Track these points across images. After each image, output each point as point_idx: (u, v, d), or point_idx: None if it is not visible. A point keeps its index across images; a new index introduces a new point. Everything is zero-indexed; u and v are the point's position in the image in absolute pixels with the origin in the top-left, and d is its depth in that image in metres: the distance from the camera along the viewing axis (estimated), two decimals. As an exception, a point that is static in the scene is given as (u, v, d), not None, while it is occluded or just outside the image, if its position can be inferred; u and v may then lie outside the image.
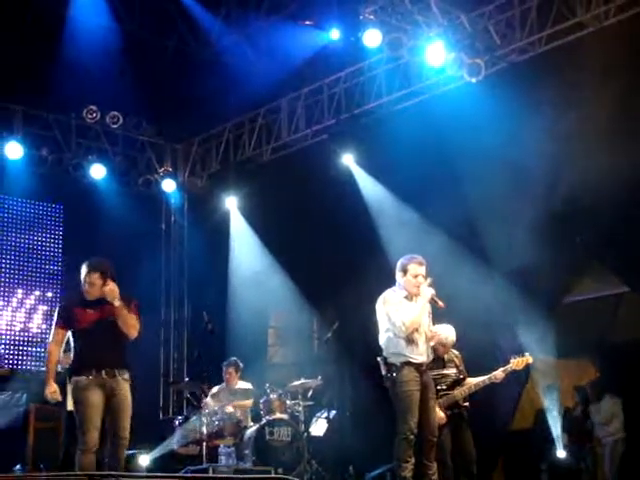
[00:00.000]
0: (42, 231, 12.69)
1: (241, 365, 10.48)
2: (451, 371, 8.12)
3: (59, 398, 6.90)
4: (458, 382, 8.08)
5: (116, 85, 11.71)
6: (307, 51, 11.85)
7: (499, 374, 8.11)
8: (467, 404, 8.14)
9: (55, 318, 6.97)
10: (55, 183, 12.47)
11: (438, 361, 8.01)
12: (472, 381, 8.15)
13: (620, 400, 11.37)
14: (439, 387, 7.86)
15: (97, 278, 6.82)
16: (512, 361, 8.14)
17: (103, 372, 6.79)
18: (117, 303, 6.78)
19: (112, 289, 6.79)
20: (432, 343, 7.50)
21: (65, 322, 6.88)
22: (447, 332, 8.08)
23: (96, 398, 6.77)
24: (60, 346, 6.93)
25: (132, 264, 12.01)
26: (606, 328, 11.82)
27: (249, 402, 10.27)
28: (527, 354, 8.22)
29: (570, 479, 10.12)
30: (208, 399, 10.21)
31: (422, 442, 7.15)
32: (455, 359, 8.23)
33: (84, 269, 6.86)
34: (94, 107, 11.83)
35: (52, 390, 6.84)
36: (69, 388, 6.96)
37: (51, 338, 6.94)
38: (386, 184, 11.65)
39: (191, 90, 11.95)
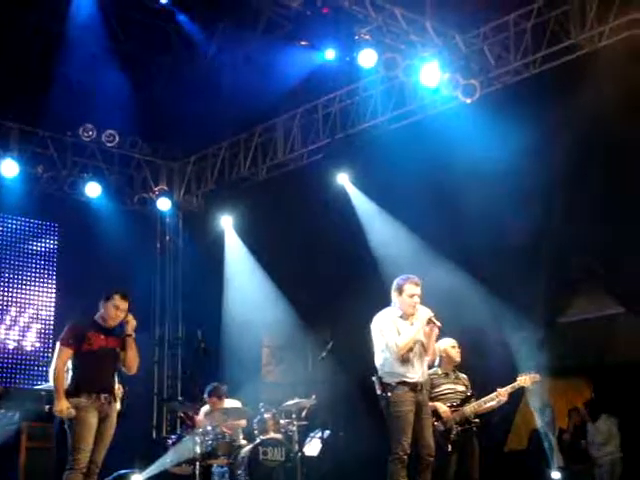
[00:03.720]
0: (36, 249, 12.66)
1: (223, 387, 10.37)
2: (458, 387, 8.12)
3: (74, 413, 6.92)
4: (467, 400, 8.08)
5: (112, 103, 11.73)
6: (303, 71, 11.87)
7: (504, 392, 8.10)
8: (477, 420, 8.13)
9: (63, 337, 7.08)
10: (50, 201, 12.44)
11: (449, 376, 8.07)
12: (480, 401, 8.15)
13: (616, 420, 11.37)
14: (450, 403, 7.93)
15: (126, 307, 7.19)
16: (519, 378, 8.14)
17: (102, 397, 6.99)
18: (134, 335, 7.17)
19: (133, 321, 7.20)
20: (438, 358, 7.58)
21: (75, 342, 7.02)
22: (452, 347, 8.12)
23: (93, 420, 6.94)
24: (65, 364, 7.03)
25: (126, 282, 11.93)
26: (602, 348, 11.82)
27: (243, 422, 10.21)
28: (533, 373, 8.22)
29: (565, 500, 10.10)
30: (201, 417, 10.15)
31: (417, 462, 7.13)
32: (463, 380, 8.23)
33: (117, 296, 7.15)
34: (90, 125, 11.83)
35: (66, 406, 6.89)
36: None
37: (57, 355, 7.02)
38: (380, 203, 11.69)
39: (187, 109, 11.97)
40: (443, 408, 7.88)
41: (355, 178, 12.07)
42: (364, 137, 11.48)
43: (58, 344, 7.08)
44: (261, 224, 12.45)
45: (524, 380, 8.12)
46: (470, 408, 8.02)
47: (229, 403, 10.35)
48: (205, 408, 10.29)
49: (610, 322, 11.76)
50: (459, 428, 7.89)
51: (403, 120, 11.22)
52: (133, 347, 7.16)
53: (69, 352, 6.99)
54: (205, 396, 10.34)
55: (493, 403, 8.16)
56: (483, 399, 8.12)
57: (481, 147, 10.02)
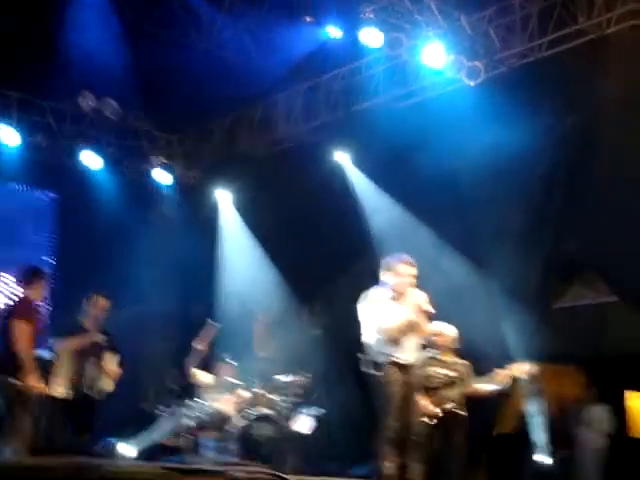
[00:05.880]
0: (35, 217, 12.65)
1: (235, 364, 10.47)
2: (447, 372, 8.11)
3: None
4: (452, 384, 8.07)
5: (114, 74, 11.67)
6: (306, 47, 11.84)
7: (499, 377, 8.10)
8: (463, 412, 8.12)
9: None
10: (49, 170, 12.42)
11: (438, 360, 8.07)
12: (471, 384, 8.15)
13: (607, 408, 11.40)
14: (430, 385, 7.90)
15: None
16: (513, 367, 8.15)
17: None
18: None
19: None
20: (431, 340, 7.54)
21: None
22: (447, 331, 8.10)
23: None
24: None
25: (122, 252, 12.03)
26: (594, 336, 11.84)
27: (237, 397, 10.25)
28: (529, 362, 8.22)
29: (552, 485, 10.14)
30: (201, 389, 10.19)
31: (404, 442, 7.14)
32: (459, 365, 8.22)
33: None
34: (89, 93, 11.76)
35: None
36: None
37: None
38: (379, 182, 11.65)
39: (189, 82, 11.92)
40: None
41: (355, 156, 12.03)
42: (365, 116, 11.42)
43: None
44: (259, 200, 12.42)
45: (519, 369, 8.13)
46: (452, 393, 8.01)
47: (233, 381, 10.38)
48: (205, 380, 10.32)
49: (603, 310, 11.78)
50: (439, 412, 7.87)
51: (405, 100, 11.16)
52: None
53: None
54: (218, 361, 10.40)
55: (489, 387, 8.16)
56: (475, 382, 8.13)
57: (484, 130, 9.98)
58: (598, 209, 10.21)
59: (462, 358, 8.38)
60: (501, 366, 8.19)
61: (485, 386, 8.20)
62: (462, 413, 8.14)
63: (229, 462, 8.95)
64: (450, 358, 8.22)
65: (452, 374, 8.13)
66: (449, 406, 8.00)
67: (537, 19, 9.97)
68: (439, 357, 8.11)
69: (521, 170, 10.22)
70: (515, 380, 11.41)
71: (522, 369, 8.16)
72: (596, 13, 9.55)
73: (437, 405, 7.91)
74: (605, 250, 10.58)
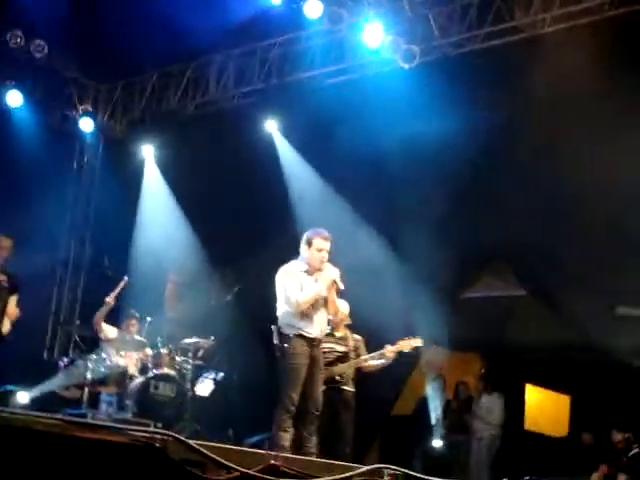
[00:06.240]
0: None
1: (143, 320, 10.39)
2: (338, 347, 8.20)
3: None
4: (341, 359, 8.15)
5: (48, 16, 11.35)
6: (247, 11, 11.67)
7: (389, 352, 8.22)
8: (349, 388, 8.22)
9: None
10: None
11: (332, 336, 8.12)
12: (360, 359, 8.26)
13: (503, 398, 11.70)
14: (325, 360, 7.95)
15: None
16: (400, 342, 8.27)
17: None
18: None
19: None
20: (331, 317, 7.58)
21: None
22: (341, 307, 8.17)
23: None
24: None
25: (38, 198, 11.77)
26: (498, 327, 12.12)
27: (141, 355, 10.19)
28: (417, 337, 8.34)
29: (442, 468, 10.36)
30: (105, 343, 10.09)
31: (304, 414, 7.21)
32: (350, 340, 8.32)
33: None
34: (19, 32, 11.43)
35: None
36: None
37: None
38: (305, 155, 11.66)
39: (123, 31, 11.66)
40: None
41: (283, 127, 11.99)
42: (299, 87, 11.38)
43: None
44: (183, 159, 12.30)
45: (406, 344, 8.26)
46: (339, 368, 8.10)
47: (138, 338, 10.29)
48: (109, 334, 10.23)
49: (511, 303, 12.05)
50: (324, 387, 7.93)
51: (339, 76, 11.14)
52: None
53: None
54: (126, 316, 10.33)
55: (377, 362, 8.29)
56: (364, 357, 8.26)
57: (414, 114, 10.06)
58: (518, 204, 10.41)
59: (359, 334, 8.49)
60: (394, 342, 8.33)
61: (374, 361, 8.33)
62: (348, 389, 8.26)
63: (128, 420, 8.90)
64: (342, 333, 8.31)
65: (342, 349, 8.21)
66: (335, 380, 8.11)
67: (477, 10, 10.04)
68: (332, 332, 8.18)
69: (445, 157, 10.34)
70: (419, 362, 11.65)
71: (409, 344, 8.28)
72: (533, 12, 9.68)
73: (326, 380, 7.96)
74: (519, 244, 10.81)
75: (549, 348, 11.71)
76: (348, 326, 8.41)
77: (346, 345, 8.28)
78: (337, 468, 4.92)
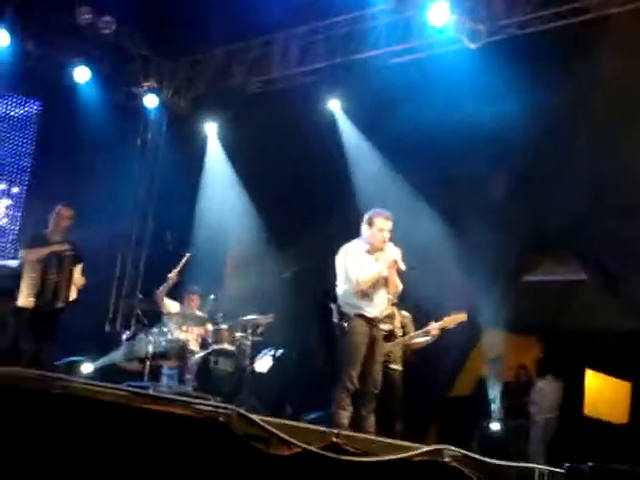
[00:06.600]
0: (18, 125, 12.50)
1: (205, 296, 10.52)
2: (383, 326, 8.18)
3: None
4: (387, 338, 8.10)
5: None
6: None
7: (434, 329, 8.19)
8: (397, 367, 8.19)
9: None
10: (37, 79, 12.23)
11: None
12: (405, 337, 8.24)
13: (561, 383, 11.58)
14: None
15: None
16: (445, 319, 8.23)
17: None
18: None
19: None
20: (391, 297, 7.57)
21: None
22: None
23: None
24: None
25: (103, 172, 11.95)
26: (558, 311, 11.99)
27: (202, 330, 10.31)
28: (462, 312, 8.27)
29: (499, 451, 10.30)
30: (167, 318, 10.23)
31: (363, 394, 7.24)
32: (398, 317, 8.29)
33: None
34: (88, 8, 11.56)
35: None
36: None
37: None
38: (368, 135, 11.62)
39: (189, 9, 11.74)
40: None
41: (347, 106, 11.97)
42: (363, 66, 11.32)
43: None
44: (246, 137, 12.34)
45: (451, 320, 8.20)
46: (386, 347, 7.99)
47: (199, 314, 10.41)
48: (172, 309, 10.37)
49: (571, 287, 11.92)
50: None
51: (405, 55, 11.04)
52: None
53: None
54: (188, 291, 10.47)
55: (422, 339, 8.27)
56: (410, 334, 8.24)
57: (477, 95, 9.97)
58: (581, 186, 10.27)
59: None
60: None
61: (419, 339, 8.31)
62: (396, 367, 8.24)
63: (189, 394, 9.02)
64: (388, 310, 8.28)
65: (387, 327, 8.16)
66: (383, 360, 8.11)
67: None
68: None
69: (508, 139, 10.24)
70: (479, 343, 11.57)
71: (454, 319, 8.23)
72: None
73: None
74: (581, 228, 10.68)
75: (610, 334, 11.55)
76: (395, 304, 8.38)
77: (391, 323, 8.25)
78: (398, 447, 4.94)
